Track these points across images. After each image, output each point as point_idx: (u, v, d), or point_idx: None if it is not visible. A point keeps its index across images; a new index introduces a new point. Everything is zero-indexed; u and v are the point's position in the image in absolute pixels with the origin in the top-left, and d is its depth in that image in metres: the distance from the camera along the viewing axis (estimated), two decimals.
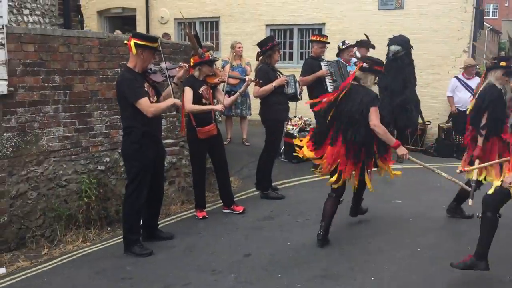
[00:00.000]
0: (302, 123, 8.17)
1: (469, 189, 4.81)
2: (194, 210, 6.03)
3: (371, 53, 9.41)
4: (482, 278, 4.05)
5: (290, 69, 9.46)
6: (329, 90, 7.26)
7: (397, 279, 4.15)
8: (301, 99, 6.72)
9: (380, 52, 8.82)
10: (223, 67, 8.51)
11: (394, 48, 7.86)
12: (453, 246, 4.79)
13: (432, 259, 4.49)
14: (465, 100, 8.73)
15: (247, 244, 5.00)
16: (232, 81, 7.22)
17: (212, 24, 12.50)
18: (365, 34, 9.20)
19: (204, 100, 5.61)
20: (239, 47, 8.62)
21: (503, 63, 5.04)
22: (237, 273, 4.35)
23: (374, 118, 4.63)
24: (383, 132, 4.65)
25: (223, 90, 5.98)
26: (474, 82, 9.33)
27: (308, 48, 11.43)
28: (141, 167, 4.80)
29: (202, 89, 5.64)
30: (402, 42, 7.96)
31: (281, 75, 6.36)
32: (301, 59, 11.41)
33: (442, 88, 9.76)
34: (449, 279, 4.09)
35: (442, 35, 10.01)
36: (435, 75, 10.09)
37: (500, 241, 4.19)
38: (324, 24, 11.08)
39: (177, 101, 4.81)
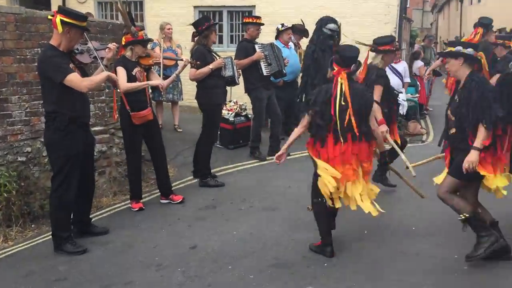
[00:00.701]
0: (237, 108, 7.92)
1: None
2: (128, 201, 5.63)
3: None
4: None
5: (220, 53, 9.12)
6: (264, 73, 7.10)
7: (348, 265, 4.06)
8: (239, 84, 6.47)
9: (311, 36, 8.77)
10: (152, 49, 8.03)
11: (333, 26, 7.79)
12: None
13: (383, 243, 4.47)
14: (393, 83, 8.89)
15: (192, 236, 4.71)
16: (167, 62, 6.79)
17: (136, 5, 11.82)
18: (301, 20, 9.12)
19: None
20: (169, 29, 8.18)
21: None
22: (185, 267, 4.06)
23: None
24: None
25: (159, 74, 5.61)
26: (401, 66, 9.59)
27: (239, 31, 11.17)
28: (68, 157, 4.35)
29: (136, 70, 5.23)
30: (336, 20, 7.93)
31: (218, 57, 6.06)
32: (231, 42, 11.12)
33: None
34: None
35: (370, 19, 10.14)
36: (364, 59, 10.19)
37: None
38: (254, 6, 10.82)
39: (112, 74, 4.39)
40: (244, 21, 7.57)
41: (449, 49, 4.00)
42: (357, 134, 3.97)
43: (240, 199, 5.70)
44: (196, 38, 5.98)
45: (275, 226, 4.88)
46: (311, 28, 9.59)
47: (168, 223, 5.05)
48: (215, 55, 6.07)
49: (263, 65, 7.08)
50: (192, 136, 8.29)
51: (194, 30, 6.01)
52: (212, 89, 5.97)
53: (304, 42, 9.37)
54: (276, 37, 8.16)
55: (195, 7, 11.25)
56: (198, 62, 5.79)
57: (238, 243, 4.52)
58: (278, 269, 3.99)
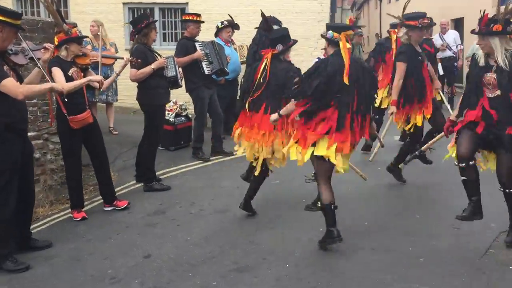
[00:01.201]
0: (177, 108, 7.71)
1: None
2: (68, 211, 5.29)
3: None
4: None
5: None
6: (206, 72, 6.96)
7: (310, 264, 4.05)
8: (182, 86, 6.25)
9: (245, 34, 8.76)
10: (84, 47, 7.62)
11: (276, 28, 7.74)
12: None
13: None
14: None
15: (143, 244, 4.48)
16: (106, 61, 6.44)
17: (59, 1, 11.17)
18: (228, 15, 9.03)
19: None
20: (93, 26, 7.80)
21: None
22: (142, 278, 3.85)
23: None
24: None
25: (101, 74, 5.31)
26: None
27: (171, 29, 10.90)
28: (5, 167, 3.99)
29: (72, 71, 4.91)
30: (279, 22, 7.91)
31: (159, 57, 5.83)
32: (164, 40, 10.84)
33: (306, 69, 9.98)
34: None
35: (303, 17, 10.28)
36: (299, 57, 10.27)
37: None
38: (187, 3, 10.61)
39: (56, 85, 4.07)
40: (183, 18, 7.36)
41: None
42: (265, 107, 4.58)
43: (189, 202, 5.53)
44: (135, 37, 5.71)
45: (229, 229, 4.77)
46: (244, 26, 9.58)
47: (116, 232, 4.79)
48: (156, 54, 5.84)
49: (204, 63, 6.93)
50: (129, 138, 8.00)
51: (133, 29, 5.74)
52: (154, 89, 5.75)
53: (234, 37, 9.34)
54: (216, 35, 8.03)
55: (124, 4, 10.84)
56: (139, 61, 5.54)
57: (194, 248, 4.36)
58: (240, 274, 3.88)
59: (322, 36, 4.26)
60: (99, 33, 7.63)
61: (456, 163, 4.12)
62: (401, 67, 5.33)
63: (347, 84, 3.92)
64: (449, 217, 4.85)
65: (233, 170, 6.72)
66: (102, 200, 5.47)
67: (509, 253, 4.07)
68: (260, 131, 4.64)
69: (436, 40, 12.64)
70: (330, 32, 4.09)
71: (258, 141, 4.65)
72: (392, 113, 5.47)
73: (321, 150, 4.00)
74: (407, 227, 4.67)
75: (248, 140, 4.74)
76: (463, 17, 15.59)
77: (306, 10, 10.27)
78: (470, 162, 4.06)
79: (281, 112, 4.37)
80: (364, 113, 4.11)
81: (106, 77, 5.76)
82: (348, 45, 4.04)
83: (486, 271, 3.76)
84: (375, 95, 4.34)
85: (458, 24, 16.16)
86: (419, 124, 5.57)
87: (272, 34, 4.78)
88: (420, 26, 5.36)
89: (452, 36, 11.50)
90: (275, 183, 5.74)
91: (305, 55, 10.36)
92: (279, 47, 4.56)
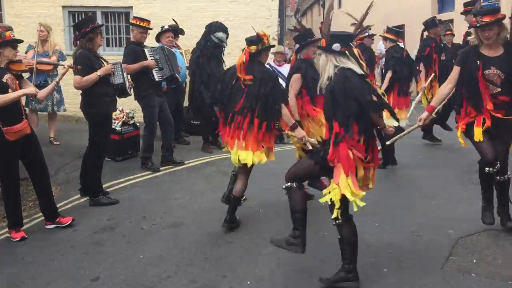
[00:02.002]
0: (124, 116, 7.34)
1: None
2: (6, 230, 4.84)
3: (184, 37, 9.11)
4: None
5: None
6: (156, 79, 6.66)
7: (275, 281, 3.87)
8: (131, 94, 5.91)
9: (193, 39, 8.53)
10: (26, 52, 7.11)
11: (221, 35, 7.55)
12: None
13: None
14: None
15: (91, 265, 4.13)
16: (43, 67, 5.99)
17: None
18: (173, 19, 8.79)
19: (10, 92, 4.48)
20: (41, 31, 7.28)
21: None
22: None
23: None
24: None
25: (32, 81, 4.93)
26: (285, 69, 9.71)
27: (115, 34, 10.46)
28: None
29: (6, 78, 4.51)
30: (226, 29, 7.71)
31: (106, 63, 5.48)
32: (108, 45, 10.37)
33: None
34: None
35: (252, 23, 10.00)
36: None
37: None
38: (131, 7, 10.21)
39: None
40: (130, 21, 7.01)
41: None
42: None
43: (140, 217, 5.21)
44: (79, 42, 5.33)
45: (185, 244, 4.50)
46: (192, 31, 9.35)
47: (60, 253, 4.40)
48: (102, 60, 5.48)
49: (154, 70, 6.63)
50: (72, 148, 7.57)
51: (77, 33, 5.36)
52: (100, 97, 5.38)
53: (181, 42, 9.09)
54: (157, 40, 7.72)
55: (63, 7, 10.29)
56: (78, 67, 5.17)
57: (148, 268, 4.07)
58: None
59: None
60: (49, 38, 7.21)
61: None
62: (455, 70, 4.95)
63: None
64: (407, 224, 4.84)
65: (185, 180, 6.47)
66: (43, 217, 5.04)
67: (468, 259, 4.07)
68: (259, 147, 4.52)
69: (380, 46, 12.95)
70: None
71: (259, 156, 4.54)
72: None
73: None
74: (366, 236, 4.58)
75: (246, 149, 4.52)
76: (403, 24, 16.04)
77: (254, 16, 10.13)
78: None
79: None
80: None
81: (44, 85, 5.33)
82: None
83: (451, 280, 3.72)
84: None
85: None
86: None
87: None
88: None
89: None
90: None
91: None
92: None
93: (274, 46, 5.44)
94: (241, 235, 4.67)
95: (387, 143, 4.84)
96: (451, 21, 12.72)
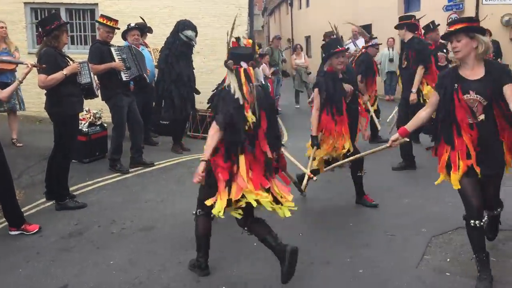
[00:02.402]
0: (91, 117, 7.12)
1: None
2: None
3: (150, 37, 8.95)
4: None
5: None
6: (123, 78, 6.49)
7: (251, 283, 3.80)
8: (98, 96, 5.72)
9: (161, 37, 8.37)
10: None
11: (191, 33, 7.41)
12: None
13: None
14: None
15: (59, 273, 3.95)
16: (5, 66, 5.74)
17: None
18: (140, 17, 8.60)
19: None
20: (1, 27, 7.00)
21: None
22: None
23: None
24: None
25: None
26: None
27: (80, 31, 10.17)
28: None
29: None
30: (194, 27, 7.58)
31: (71, 62, 5.29)
32: (72, 43, 10.07)
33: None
34: None
35: (221, 21, 10.03)
36: (218, 61, 9.91)
37: None
38: (96, 4, 9.94)
39: None
40: (97, 20, 6.79)
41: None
42: None
43: (109, 221, 5.04)
44: (44, 39, 5.12)
45: (157, 249, 4.37)
46: (160, 29, 9.18)
47: (25, 260, 4.20)
48: (68, 59, 5.29)
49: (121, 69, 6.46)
50: (36, 150, 7.31)
51: (40, 30, 5.15)
52: (66, 97, 5.18)
53: (149, 40, 8.93)
54: (124, 38, 7.53)
55: (25, 3, 9.94)
56: (43, 66, 4.97)
57: (119, 274, 3.92)
58: None
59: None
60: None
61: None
62: None
63: None
64: (381, 224, 4.85)
65: (155, 182, 6.33)
66: (6, 223, 4.82)
67: (442, 258, 4.09)
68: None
69: (350, 47, 13.01)
70: None
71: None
72: None
73: None
74: (342, 237, 4.57)
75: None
76: (371, 24, 16.23)
77: (223, 14, 10.03)
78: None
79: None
80: None
81: (6, 84, 5.10)
82: None
83: (426, 280, 3.72)
84: None
85: (367, 30, 16.79)
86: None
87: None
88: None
89: (362, 42, 11.85)
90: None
91: (224, 60, 10.11)
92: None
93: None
94: (214, 239, 4.55)
95: (350, 159, 4.81)
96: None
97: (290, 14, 28.82)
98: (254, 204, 3.40)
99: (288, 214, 3.54)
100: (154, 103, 8.28)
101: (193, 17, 8.92)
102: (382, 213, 5.12)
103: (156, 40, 9.11)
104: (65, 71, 5.10)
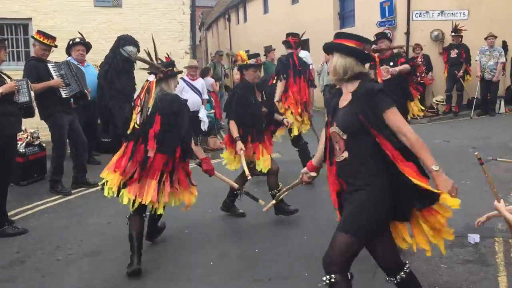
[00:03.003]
0: (28, 137, 6.77)
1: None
2: None
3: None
4: None
5: None
6: (63, 95, 6.24)
7: None
8: (34, 116, 5.45)
9: (100, 53, 8.18)
10: None
11: (132, 49, 7.27)
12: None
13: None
14: (192, 101, 8.81)
15: None
16: None
17: None
18: (79, 32, 8.35)
19: None
20: None
21: None
22: None
23: None
24: None
25: None
26: (199, 83, 9.58)
27: (13, 47, 9.71)
28: None
29: None
30: (136, 43, 7.44)
31: (9, 80, 5.02)
32: (5, 60, 9.54)
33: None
34: None
35: (163, 36, 9.92)
36: None
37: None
38: (30, 19, 9.56)
39: None
40: (32, 35, 6.51)
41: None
42: None
43: (53, 247, 4.78)
44: None
45: (106, 275, 4.18)
46: (100, 44, 8.94)
47: None
48: (5, 76, 5.01)
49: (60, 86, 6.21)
50: None
51: None
52: (3, 117, 4.91)
53: (88, 56, 8.67)
54: (68, 54, 7.27)
55: None
56: None
57: None
58: None
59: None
60: None
61: None
62: None
63: None
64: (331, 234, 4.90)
65: (100, 203, 6.09)
66: None
67: None
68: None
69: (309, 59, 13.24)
70: None
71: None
72: None
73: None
74: (295, 251, 4.58)
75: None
76: (308, 39, 16.62)
77: (165, 29, 9.96)
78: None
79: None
80: None
81: None
82: None
83: None
84: None
85: (305, 44, 17.21)
86: None
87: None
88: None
89: (303, 55, 12.08)
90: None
91: None
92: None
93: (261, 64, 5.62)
94: (167, 262, 4.44)
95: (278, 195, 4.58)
96: None
97: (228, 29, 28.99)
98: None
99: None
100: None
101: (134, 32, 8.82)
102: (331, 220, 5.16)
103: (94, 56, 8.85)
104: (1, 90, 4.83)
